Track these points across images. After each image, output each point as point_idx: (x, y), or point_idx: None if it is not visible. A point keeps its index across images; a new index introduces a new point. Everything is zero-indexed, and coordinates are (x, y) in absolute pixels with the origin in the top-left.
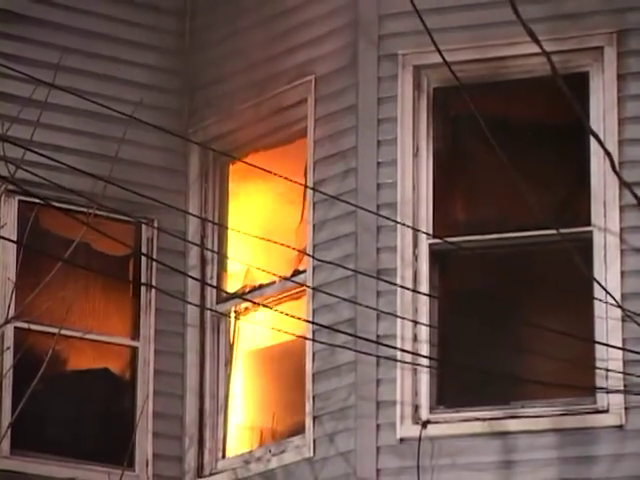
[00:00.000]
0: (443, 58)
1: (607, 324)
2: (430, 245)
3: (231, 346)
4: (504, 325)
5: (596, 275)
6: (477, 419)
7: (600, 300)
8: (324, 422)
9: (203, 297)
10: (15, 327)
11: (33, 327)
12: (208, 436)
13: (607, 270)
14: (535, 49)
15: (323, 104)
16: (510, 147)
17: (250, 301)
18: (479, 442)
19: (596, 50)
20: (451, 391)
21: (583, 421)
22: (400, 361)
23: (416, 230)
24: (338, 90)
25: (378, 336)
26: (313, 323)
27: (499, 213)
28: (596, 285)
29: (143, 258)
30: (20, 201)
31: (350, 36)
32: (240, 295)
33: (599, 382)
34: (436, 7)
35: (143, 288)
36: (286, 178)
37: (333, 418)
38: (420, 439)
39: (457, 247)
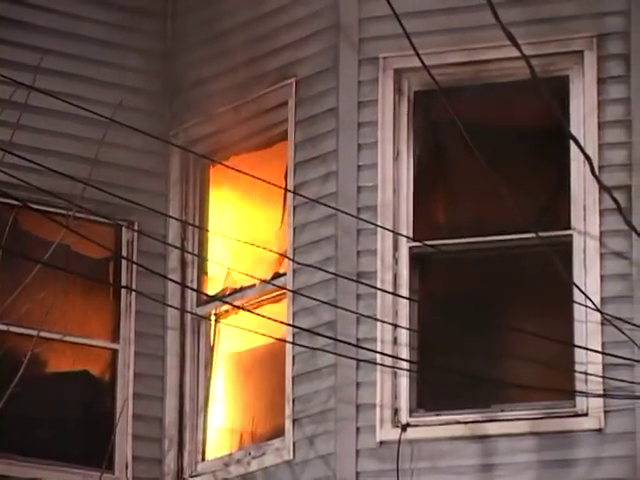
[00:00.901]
0: (422, 61)
1: (586, 328)
2: (410, 248)
3: (211, 348)
4: (484, 328)
5: (576, 279)
6: (457, 422)
7: (579, 304)
8: (304, 425)
9: (183, 300)
10: None
11: (12, 329)
12: (188, 438)
13: (587, 274)
14: (517, 53)
15: (304, 107)
16: (491, 151)
17: (230, 304)
18: (459, 445)
19: (576, 54)
20: (431, 394)
21: (562, 424)
22: (380, 364)
23: (396, 233)
24: (319, 93)
25: (358, 339)
26: (293, 326)
27: (479, 216)
28: (575, 289)
29: (123, 260)
30: (0, 203)
31: (331, 39)
32: (220, 298)
33: (578, 386)
34: (418, 10)
35: (123, 290)
36: (266, 181)
37: (313, 421)
38: (400, 442)
39: (437, 250)
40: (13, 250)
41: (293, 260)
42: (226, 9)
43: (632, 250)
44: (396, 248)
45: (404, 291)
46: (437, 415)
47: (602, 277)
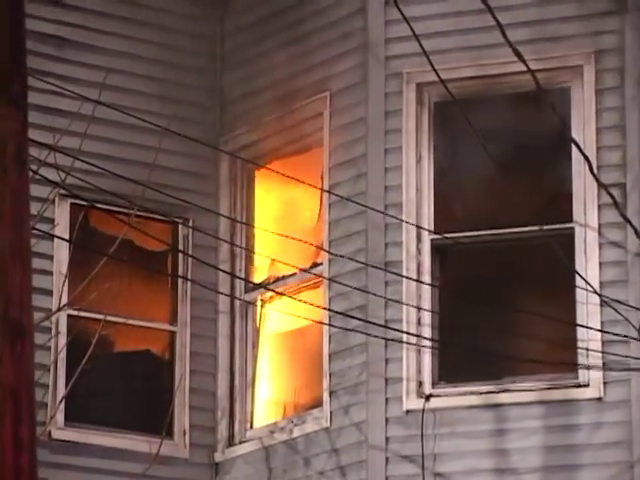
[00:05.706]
0: (438, 76)
1: (587, 309)
2: (431, 240)
3: (257, 330)
4: (497, 310)
5: (577, 266)
6: (473, 393)
7: (581, 288)
8: (339, 396)
9: (233, 287)
10: (68, 314)
11: (83, 314)
12: (238, 409)
13: (587, 261)
14: (524, 67)
15: (337, 117)
16: (501, 154)
17: (274, 291)
18: (475, 413)
19: (576, 68)
20: (450, 368)
21: (566, 394)
22: (406, 342)
23: (419, 227)
24: (350, 104)
25: (386, 320)
26: (329, 310)
27: (492, 212)
28: (577, 275)
29: (179, 253)
30: (71, 204)
31: (361, 57)
32: (265, 285)
33: (580, 360)
34: (436, 31)
35: (180, 280)
36: (305, 182)
37: (347, 393)
38: (423, 411)
39: (455, 242)
40: (83, 245)
41: (329, 252)
42: (269, 31)
43: (627, 240)
44: (419, 240)
45: (426, 278)
46: (456, 387)
47: (601, 264)
